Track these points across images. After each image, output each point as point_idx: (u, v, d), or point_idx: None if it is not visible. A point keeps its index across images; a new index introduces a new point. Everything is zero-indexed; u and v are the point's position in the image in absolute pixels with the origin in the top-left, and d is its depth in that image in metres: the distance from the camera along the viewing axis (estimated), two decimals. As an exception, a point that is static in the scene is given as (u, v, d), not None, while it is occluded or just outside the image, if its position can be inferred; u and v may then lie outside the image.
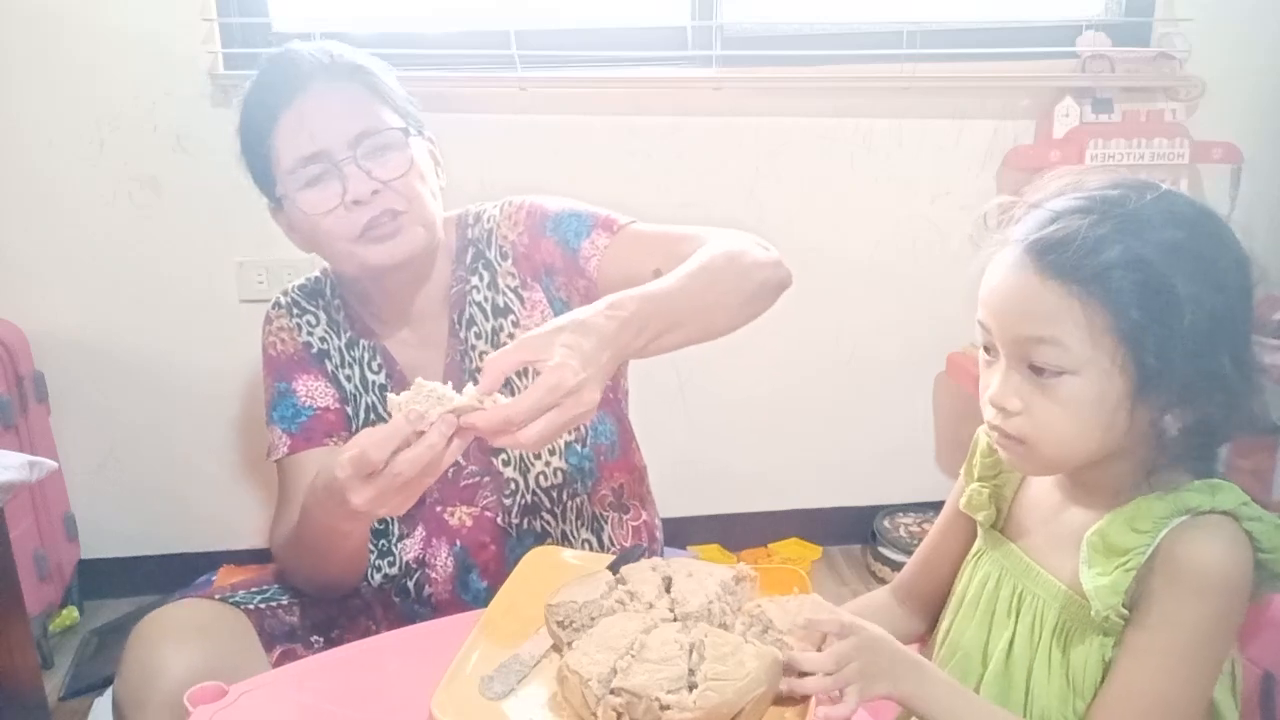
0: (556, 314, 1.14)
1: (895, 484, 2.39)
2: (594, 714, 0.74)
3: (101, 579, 2.18)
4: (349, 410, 1.16)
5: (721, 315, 1.00)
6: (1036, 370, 0.77)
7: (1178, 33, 2.15)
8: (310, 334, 1.18)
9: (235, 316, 2.10)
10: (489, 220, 1.19)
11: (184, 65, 1.97)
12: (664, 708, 0.71)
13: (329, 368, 1.17)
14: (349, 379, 1.17)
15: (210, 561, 2.20)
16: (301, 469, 1.12)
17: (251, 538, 2.20)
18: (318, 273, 1.22)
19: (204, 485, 2.19)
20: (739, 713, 0.73)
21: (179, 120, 2.00)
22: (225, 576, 2.14)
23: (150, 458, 2.16)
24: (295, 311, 1.19)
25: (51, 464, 1.38)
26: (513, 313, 1.16)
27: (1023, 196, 0.83)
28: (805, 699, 0.77)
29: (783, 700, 0.78)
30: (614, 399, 1.22)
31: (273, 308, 1.20)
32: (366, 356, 1.17)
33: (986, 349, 0.82)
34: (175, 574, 2.14)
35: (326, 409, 1.15)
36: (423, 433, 0.82)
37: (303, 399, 1.15)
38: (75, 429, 2.11)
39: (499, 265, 1.17)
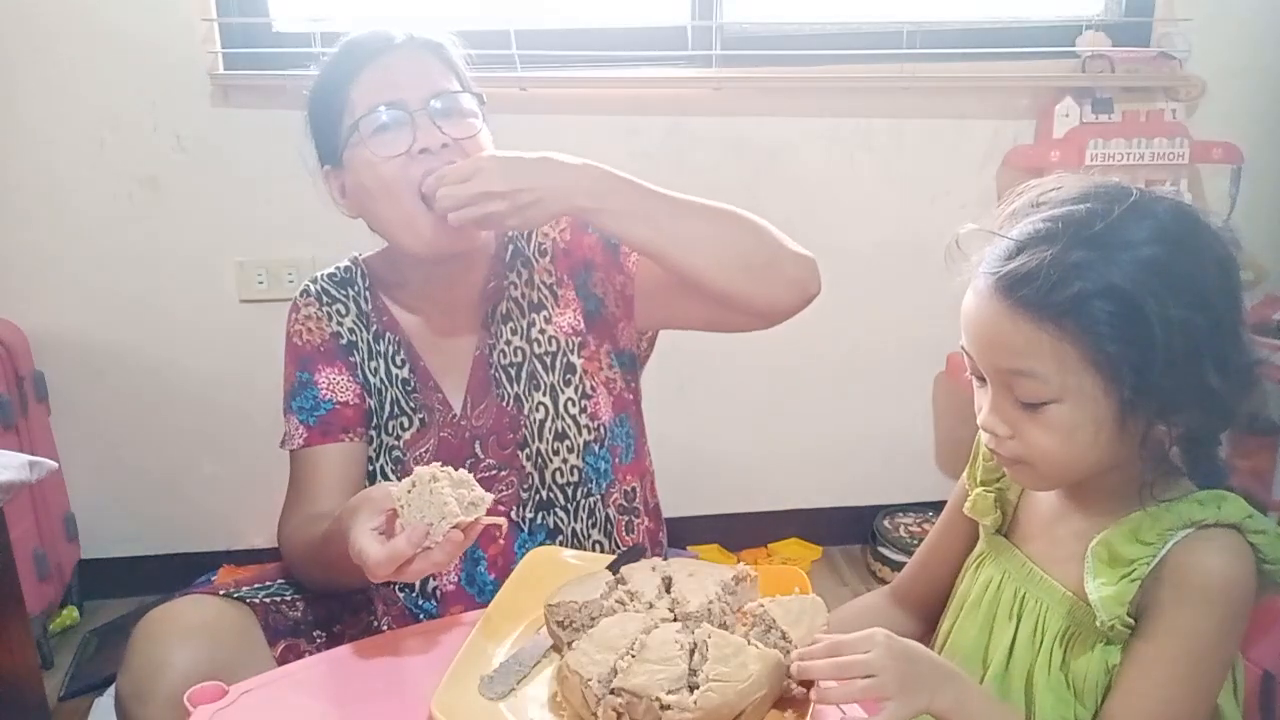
0: (588, 311, 1.16)
1: (895, 484, 2.39)
2: (594, 714, 0.74)
3: (101, 579, 2.18)
4: (372, 404, 1.16)
5: (704, 253, 1.03)
6: (1019, 399, 0.77)
7: (1178, 33, 2.15)
8: (340, 324, 1.18)
9: (235, 316, 2.10)
10: None
11: (184, 65, 1.97)
12: (664, 708, 0.71)
13: (355, 360, 1.17)
14: (374, 372, 1.17)
15: (210, 561, 2.20)
16: (316, 463, 1.13)
17: (251, 538, 2.20)
18: (347, 262, 1.21)
19: (204, 485, 2.20)
20: (740, 714, 0.73)
21: (179, 120, 2.00)
22: (225, 576, 2.14)
23: (150, 458, 2.16)
24: (325, 300, 1.18)
25: (51, 464, 1.38)
26: (545, 308, 1.17)
27: (990, 218, 0.82)
28: (805, 700, 0.77)
29: (783, 702, 0.78)
30: (630, 400, 1.22)
31: (301, 295, 1.20)
32: (391, 350, 1.17)
33: (975, 373, 0.82)
34: (175, 574, 2.13)
35: (346, 404, 1.15)
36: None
37: (324, 392, 1.15)
38: (75, 429, 2.11)
39: (537, 261, 1.18)
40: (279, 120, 2.01)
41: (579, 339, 1.16)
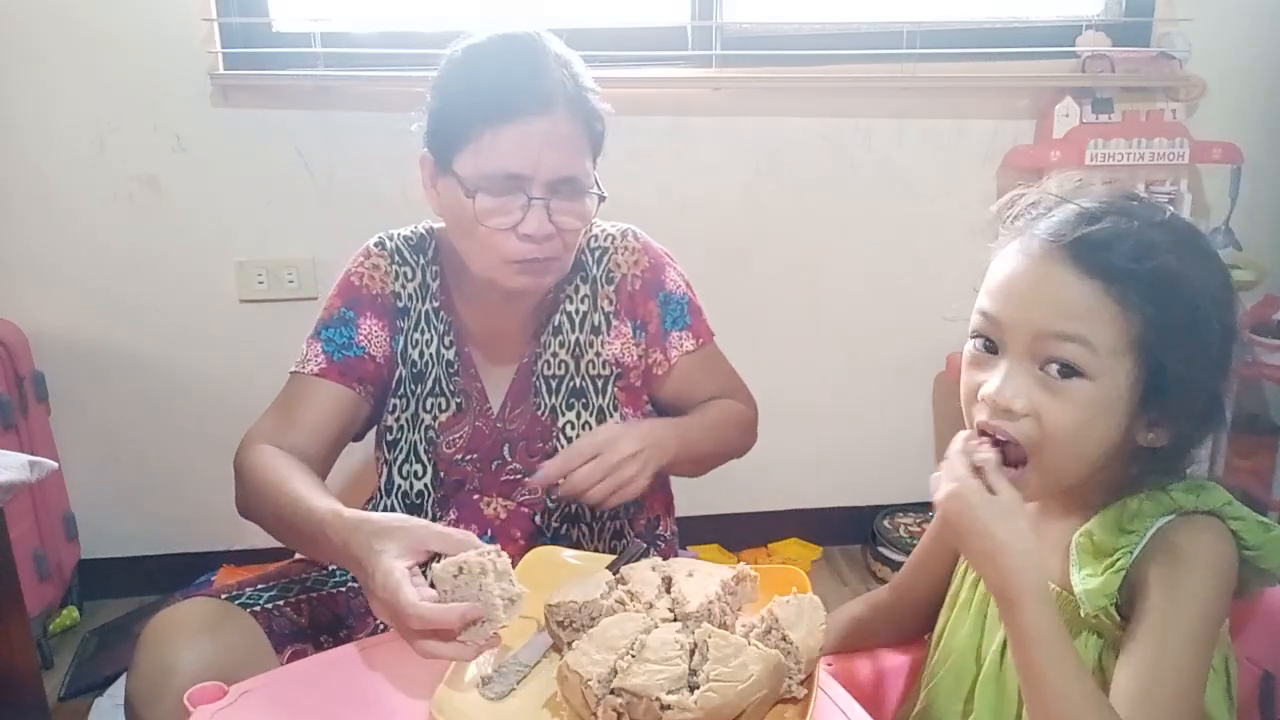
0: (636, 343, 1.19)
1: (895, 484, 2.39)
2: (594, 714, 0.74)
3: (101, 579, 2.18)
4: (403, 373, 1.16)
5: (720, 460, 1.26)
6: (1048, 370, 0.76)
7: (1178, 33, 2.15)
8: (403, 287, 1.17)
9: (235, 316, 2.10)
10: (604, 239, 1.20)
11: (184, 65, 1.96)
12: (664, 708, 0.71)
13: (402, 326, 1.17)
14: (416, 345, 1.17)
15: (210, 561, 2.20)
16: (316, 394, 1.13)
17: (252, 538, 2.16)
18: (422, 230, 1.21)
19: (204, 485, 2.19)
20: (740, 714, 0.73)
21: (179, 120, 2.00)
22: (225, 576, 2.15)
23: (150, 458, 2.16)
24: (398, 259, 1.18)
25: (51, 464, 1.38)
26: (601, 334, 1.18)
27: (1042, 189, 0.82)
28: (806, 700, 0.77)
29: (783, 702, 0.78)
30: None
31: (375, 244, 1.19)
32: (443, 329, 1.17)
33: (987, 344, 0.80)
34: (175, 574, 2.14)
35: (374, 358, 1.15)
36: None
37: (361, 337, 1.15)
38: (75, 429, 2.11)
39: (602, 286, 1.18)
40: (279, 120, 2.01)
41: (620, 370, 1.18)
